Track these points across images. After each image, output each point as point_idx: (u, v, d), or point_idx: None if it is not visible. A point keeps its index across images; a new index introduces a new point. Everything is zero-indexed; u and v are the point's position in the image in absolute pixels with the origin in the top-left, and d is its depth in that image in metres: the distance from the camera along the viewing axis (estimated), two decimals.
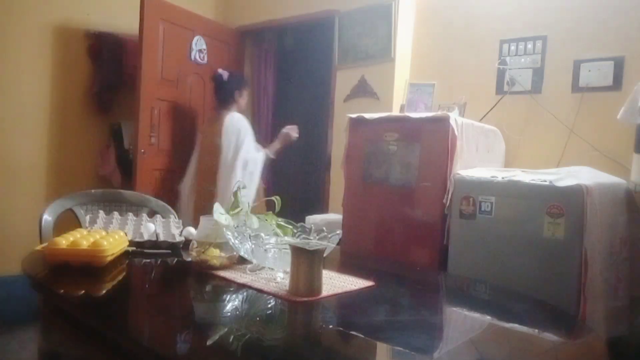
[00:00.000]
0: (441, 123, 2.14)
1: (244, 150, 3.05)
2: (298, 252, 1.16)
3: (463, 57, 2.86)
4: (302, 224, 1.49)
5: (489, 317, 1.26)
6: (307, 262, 1.15)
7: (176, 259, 1.54)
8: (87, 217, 1.78)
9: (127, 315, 1.15)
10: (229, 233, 1.33)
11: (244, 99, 3.29)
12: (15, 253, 1.69)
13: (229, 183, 2.97)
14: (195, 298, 1.28)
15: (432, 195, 2.15)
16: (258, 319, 1.11)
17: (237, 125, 3.10)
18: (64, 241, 1.33)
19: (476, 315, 1.29)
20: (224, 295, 1.25)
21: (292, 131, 3.21)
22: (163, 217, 1.91)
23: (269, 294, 1.19)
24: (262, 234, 1.31)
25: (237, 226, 1.38)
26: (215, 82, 3.27)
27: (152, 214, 2.06)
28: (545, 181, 1.85)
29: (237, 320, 1.11)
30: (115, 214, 1.82)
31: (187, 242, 1.54)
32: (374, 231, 2.36)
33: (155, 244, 1.58)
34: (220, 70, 3.25)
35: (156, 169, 3.34)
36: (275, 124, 4.15)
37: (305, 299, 1.15)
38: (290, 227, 1.46)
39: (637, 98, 2.06)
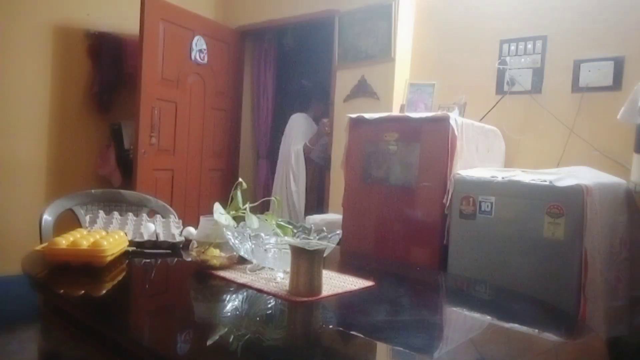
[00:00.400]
0: (441, 123, 2.14)
1: (293, 144, 3.68)
2: (298, 252, 1.16)
3: (463, 57, 2.86)
4: (302, 223, 1.49)
5: (489, 317, 1.26)
6: (307, 262, 1.15)
7: (176, 259, 1.54)
8: (87, 217, 1.78)
9: (127, 315, 1.15)
10: (229, 233, 1.33)
11: (319, 107, 3.83)
12: (15, 253, 1.68)
13: (285, 175, 3.67)
14: (195, 298, 1.28)
15: (432, 195, 2.15)
16: (258, 319, 1.11)
17: (293, 123, 3.78)
18: (64, 241, 1.34)
19: (476, 315, 1.29)
20: (224, 295, 1.25)
21: (322, 126, 3.59)
22: (163, 217, 1.91)
23: (269, 294, 1.19)
24: (262, 234, 1.31)
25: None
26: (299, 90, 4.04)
27: (152, 214, 2.06)
28: (545, 181, 1.85)
29: (237, 320, 1.11)
30: (115, 214, 1.82)
31: (187, 242, 1.54)
32: (374, 231, 2.36)
33: (155, 244, 1.58)
34: (304, 81, 4.00)
35: (156, 169, 3.34)
36: (275, 124, 4.15)
37: (305, 299, 1.15)
38: (290, 227, 1.46)
39: (637, 98, 2.06)
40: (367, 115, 2.39)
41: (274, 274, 1.33)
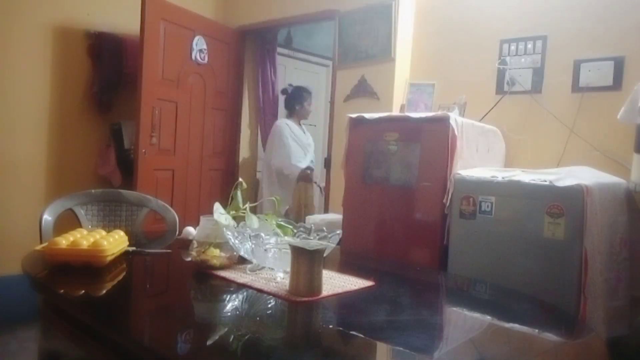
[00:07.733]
0: (441, 123, 2.14)
1: (273, 158, 3.65)
2: (298, 252, 1.16)
3: (463, 57, 2.86)
4: (302, 223, 1.49)
5: (489, 317, 1.26)
6: (307, 262, 1.15)
7: (176, 259, 1.54)
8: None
9: (128, 315, 1.15)
10: (229, 233, 1.33)
11: (304, 109, 3.83)
12: (15, 253, 1.68)
13: (269, 185, 3.66)
14: (195, 298, 1.28)
15: (432, 195, 2.15)
16: (258, 319, 1.11)
17: (275, 131, 3.71)
18: (64, 241, 1.34)
19: (476, 315, 1.29)
20: (224, 295, 1.25)
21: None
22: (163, 217, 1.91)
23: (269, 294, 1.19)
24: (262, 234, 1.31)
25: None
26: (284, 95, 3.92)
27: (152, 213, 2.06)
28: (545, 181, 1.85)
29: (237, 320, 1.11)
30: None
31: (187, 242, 1.54)
32: (374, 231, 2.36)
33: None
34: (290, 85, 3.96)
35: (157, 169, 3.34)
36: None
37: (305, 299, 1.15)
38: (290, 227, 1.46)
39: (637, 98, 2.06)
40: (367, 115, 2.39)
41: (274, 274, 1.33)
